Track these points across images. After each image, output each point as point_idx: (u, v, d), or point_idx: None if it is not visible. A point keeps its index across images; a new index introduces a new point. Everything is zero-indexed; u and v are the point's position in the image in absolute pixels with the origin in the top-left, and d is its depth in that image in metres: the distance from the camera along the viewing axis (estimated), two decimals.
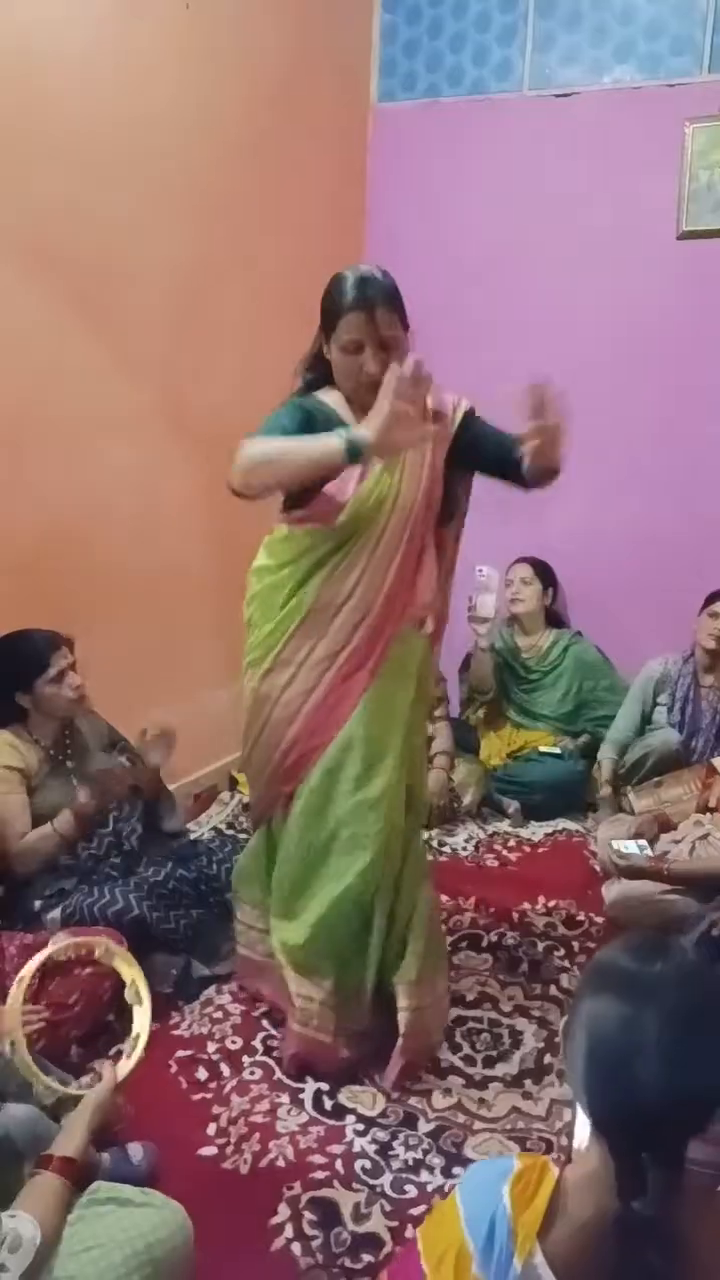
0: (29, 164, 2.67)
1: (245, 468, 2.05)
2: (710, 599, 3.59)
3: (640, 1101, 1.03)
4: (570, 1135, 1.46)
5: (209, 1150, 2.12)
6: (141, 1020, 1.96)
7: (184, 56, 3.15)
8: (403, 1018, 2.33)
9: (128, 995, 2.00)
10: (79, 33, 2.76)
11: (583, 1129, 1.13)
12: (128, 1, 2.90)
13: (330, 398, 2.25)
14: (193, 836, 3.07)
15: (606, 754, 3.72)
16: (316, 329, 2.23)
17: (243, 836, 3.35)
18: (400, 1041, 2.32)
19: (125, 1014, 2.02)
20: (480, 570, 3.33)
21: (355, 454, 1.94)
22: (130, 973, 2.02)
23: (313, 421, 2.16)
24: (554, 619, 4.14)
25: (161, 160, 3.11)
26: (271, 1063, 2.39)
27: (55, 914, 2.48)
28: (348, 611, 2.23)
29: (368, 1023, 2.38)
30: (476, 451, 2.30)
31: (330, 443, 1.95)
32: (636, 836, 3.07)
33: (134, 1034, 1.94)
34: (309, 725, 2.29)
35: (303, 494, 2.17)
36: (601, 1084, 1.06)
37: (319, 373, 2.25)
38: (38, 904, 2.52)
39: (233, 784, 3.83)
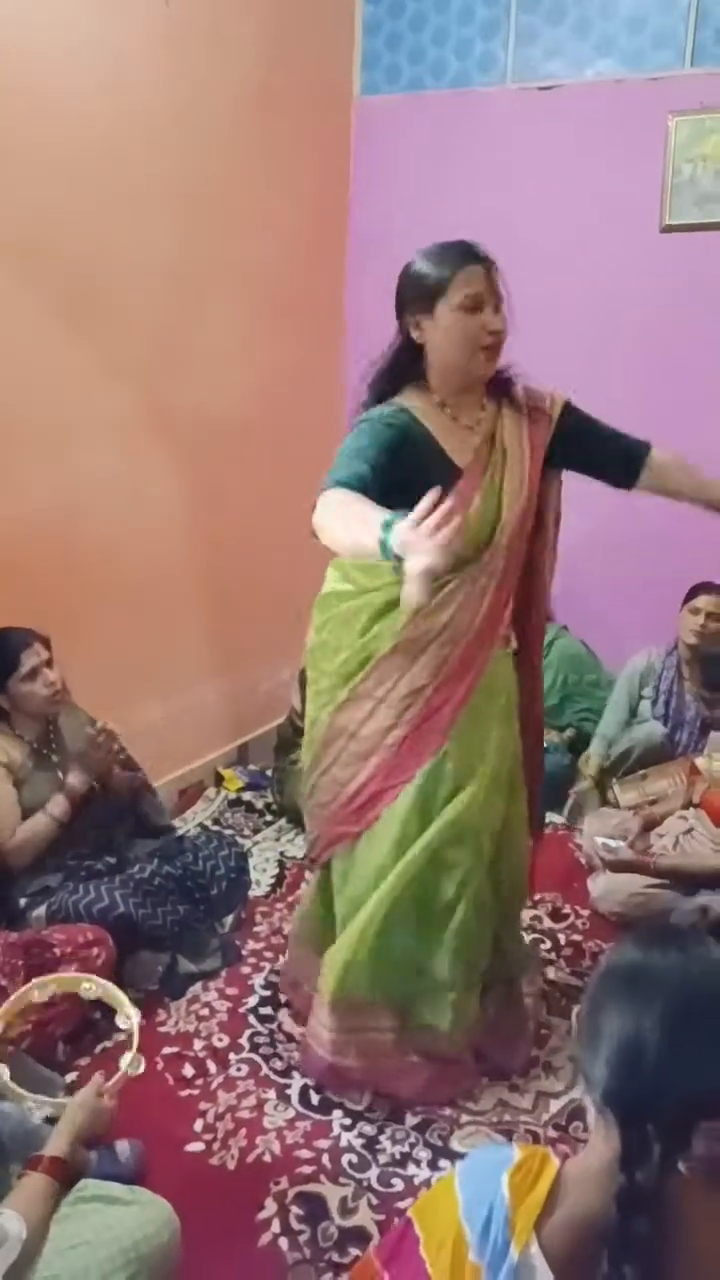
0: (9, 167, 2.65)
1: (316, 526, 1.78)
2: (691, 594, 3.60)
3: (648, 1079, 1.05)
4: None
5: (196, 1146, 2.12)
6: (134, 1038, 1.89)
7: (164, 52, 3.13)
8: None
9: (118, 1021, 1.95)
10: (57, 31, 2.74)
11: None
12: (105, 0, 2.88)
13: (417, 404, 2.05)
14: (179, 833, 3.06)
15: (596, 749, 3.72)
16: (398, 329, 2.06)
17: (228, 833, 3.35)
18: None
19: (110, 1010, 2.01)
20: None
21: (388, 554, 1.59)
22: (118, 997, 1.96)
23: (406, 444, 1.97)
24: None
25: (142, 157, 3.10)
26: (259, 1059, 2.39)
27: (40, 911, 2.48)
28: (438, 645, 2.07)
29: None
30: (579, 448, 2.20)
31: (369, 540, 1.61)
32: (621, 837, 3.07)
33: (130, 1047, 1.88)
34: (386, 764, 2.13)
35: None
36: (614, 1064, 1.07)
37: (400, 373, 2.07)
38: (23, 901, 2.51)
39: (218, 780, 3.82)
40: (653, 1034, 1.05)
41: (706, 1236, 1.05)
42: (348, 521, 1.69)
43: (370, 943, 2.16)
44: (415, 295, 2.02)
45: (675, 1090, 1.04)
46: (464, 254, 2.02)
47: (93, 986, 1.97)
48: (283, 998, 2.58)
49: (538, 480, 2.16)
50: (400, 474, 1.86)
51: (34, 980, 1.97)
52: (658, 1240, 1.01)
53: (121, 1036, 2.33)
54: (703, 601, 3.54)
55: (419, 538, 1.47)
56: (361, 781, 2.16)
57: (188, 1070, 2.34)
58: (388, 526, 1.54)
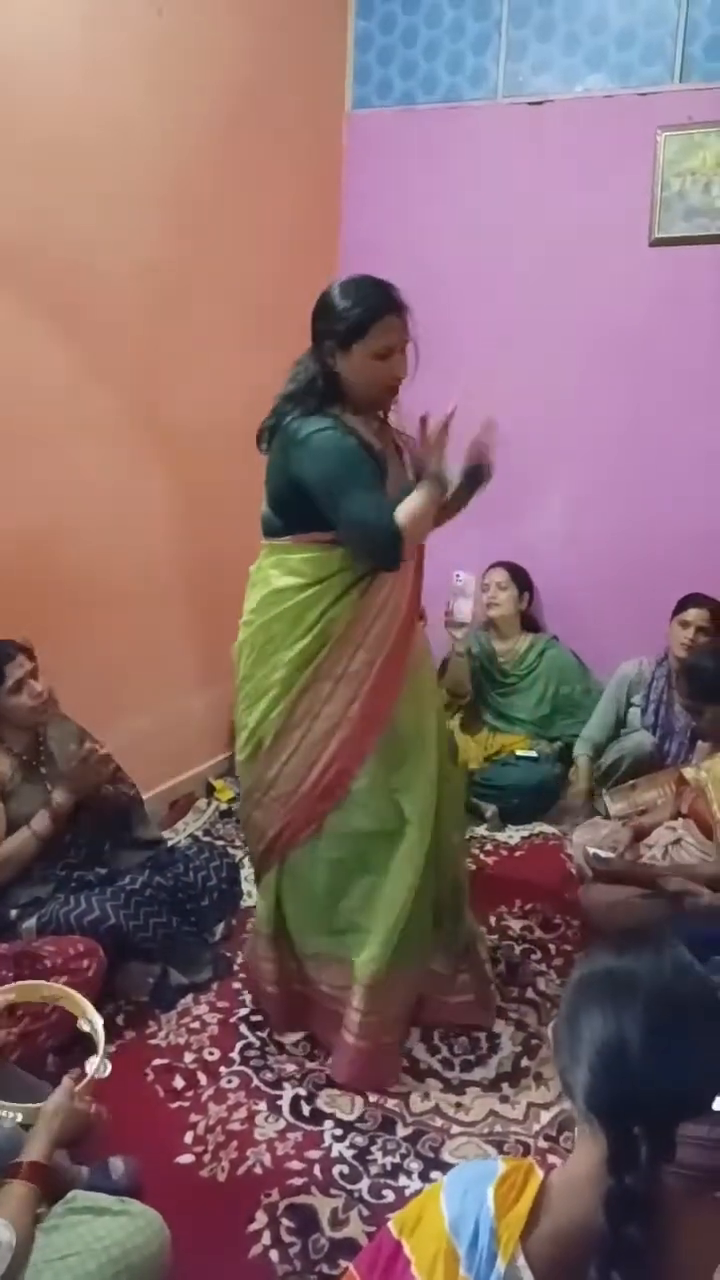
0: None
1: (408, 543, 2.17)
2: (680, 606, 3.61)
3: (632, 1079, 1.05)
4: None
5: (186, 1158, 2.12)
6: (99, 1039, 1.91)
7: (157, 63, 3.15)
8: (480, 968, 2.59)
9: (80, 1024, 1.97)
10: (50, 39, 2.76)
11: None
12: (100, 8, 2.89)
13: (344, 415, 2.24)
14: (169, 844, 3.06)
15: (581, 751, 3.74)
16: (314, 351, 2.22)
17: (220, 843, 3.35)
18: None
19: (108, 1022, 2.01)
20: (457, 575, 3.34)
21: (444, 489, 2.20)
22: (76, 1002, 1.97)
23: (365, 451, 2.21)
24: (530, 623, 4.16)
25: (134, 167, 3.11)
26: (249, 1071, 2.39)
27: (31, 923, 2.47)
28: (384, 620, 2.29)
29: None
30: None
31: (429, 496, 2.17)
32: (611, 847, 3.08)
33: (97, 1050, 1.90)
34: (349, 739, 2.30)
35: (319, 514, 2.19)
36: (596, 1068, 1.08)
37: (325, 391, 2.21)
38: (14, 913, 2.50)
39: (209, 791, 3.82)
40: (633, 1033, 1.06)
41: (691, 1245, 1.05)
42: (414, 514, 2.15)
43: (404, 924, 2.34)
44: (334, 331, 2.17)
45: (659, 1087, 1.05)
46: (385, 302, 2.17)
47: (51, 994, 1.98)
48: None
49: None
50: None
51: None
52: (646, 1247, 1.01)
53: (113, 1048, 2.33)
54: (692, 615, 3.56)
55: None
56: (326, 762, 2.31)
57: (178, 1082, 2.33)
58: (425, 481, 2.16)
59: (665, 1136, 1.03)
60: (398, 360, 2.18)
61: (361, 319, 2.14)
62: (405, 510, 2.14)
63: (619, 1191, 1.03)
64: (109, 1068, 1.83)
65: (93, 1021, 1.91)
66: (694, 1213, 1.05)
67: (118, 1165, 1.96)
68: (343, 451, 2.16)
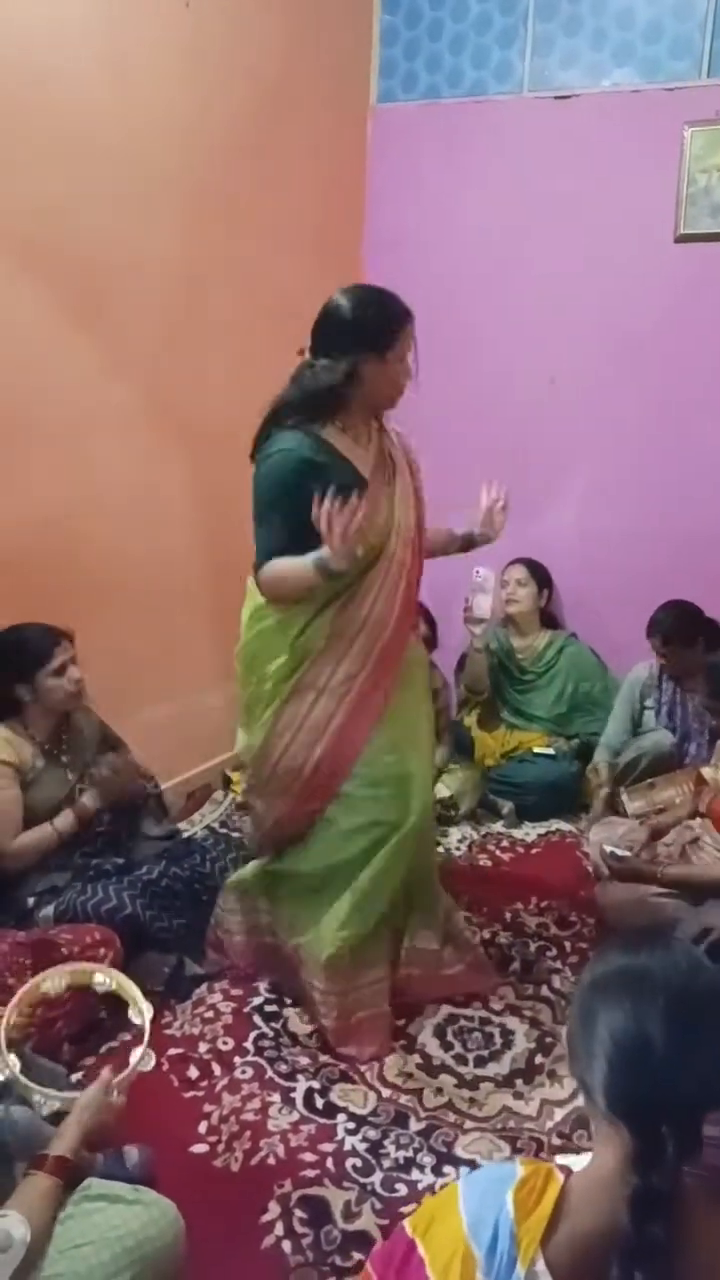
0: (23, 163, 2.67)
1: (263, 588, 2.38)
2: (647, 629, 3.58)
3: (656, 1075, 1.06)
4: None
5: (200, 1148, 2.12)
6: (146, 1032, 1.90)
7: (183, 56, 3.15)
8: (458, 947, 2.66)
9: (131, 1015, 1.96)
10: (77, 32, 2.76)
11: (577, 1161, 1.15)
12: (126, 1, 2.89)
13: (327, 430, 2.32)
14: (186, 835, 3.07)
15: (601, 758, 3.73)
16: (337, 360, 2.25)
17: (236, 835, 3.35)
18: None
19: (117, 1010, 2.01)
20: (477, 571, 3.33)
21: (328, 574, 2.20)
22: (131, 991, 1.96)
23: (320, 471, 2.25)
24: (549, 620, 4.15)
25: (158, 159, 3.11)
26: (263, 1062, 2.39)
27: (48, 911, 2.48)
28: (365, 636, 2.37)
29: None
30: None
31: (308, 572, 2.22)
32: (629, 846, 3.07)
33: (141, 1042, 1.89)
34: (334, 746, 2.40)
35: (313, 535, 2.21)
36: (618, 1066, 1.08)
37: (329, 403, 2.29)
38: (31, 901, 2.52)
39: (226, 783, 3.83)
40: (655, 1028, 1.06)
41: (710, 1245, 1.05)
42: (281, 576, 2.28)
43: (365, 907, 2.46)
44: (365, 339, 2.24)
45: (683, 1081, 1.05)
46: (404, 311, 2.28)
47: (106, 980, 1.98)
48: (287, 999, 2.60)
49: (422, 489, 2.51)
50: (320, 491, 2.15)
51: (47, 971, 1.97)
52: (670, 1247, 1.01)
53: (127, 1036, 2.34)
54: (653, 643, 3.55)
55: (331, 539, 2.11)
56: (313, 766, 2.41)
57: (193, 1072, 2.34)
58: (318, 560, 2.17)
59: (691, 1133, 1.04)
60: (410, 365, 2.32)
61: (394, 325, 2.25)
62: (278, 565, 2.28)
63: (644, 1190, 1.02)
64: (152, 1059, 1.83)
65: (143, 1011, 1.91)
66: (713, 1213, 1.05)
67: (132, 1154, 1.97)
68: (280, 479, 2.26)
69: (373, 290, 2.31)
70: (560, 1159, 1.22)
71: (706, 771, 3.00)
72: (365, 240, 4.31)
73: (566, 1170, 1.14)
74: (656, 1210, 1.02)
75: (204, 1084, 2.31)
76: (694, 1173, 1.03)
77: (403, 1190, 2.03)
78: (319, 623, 2.35)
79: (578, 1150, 2.10)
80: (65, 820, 2.59)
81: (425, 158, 4.17)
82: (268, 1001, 2.59)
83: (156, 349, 3.24)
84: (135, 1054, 1.81)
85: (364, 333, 2.24)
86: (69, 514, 2.98)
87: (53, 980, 1.94)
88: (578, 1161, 1.16)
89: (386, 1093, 2.31)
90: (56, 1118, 1.70)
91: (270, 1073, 2.36)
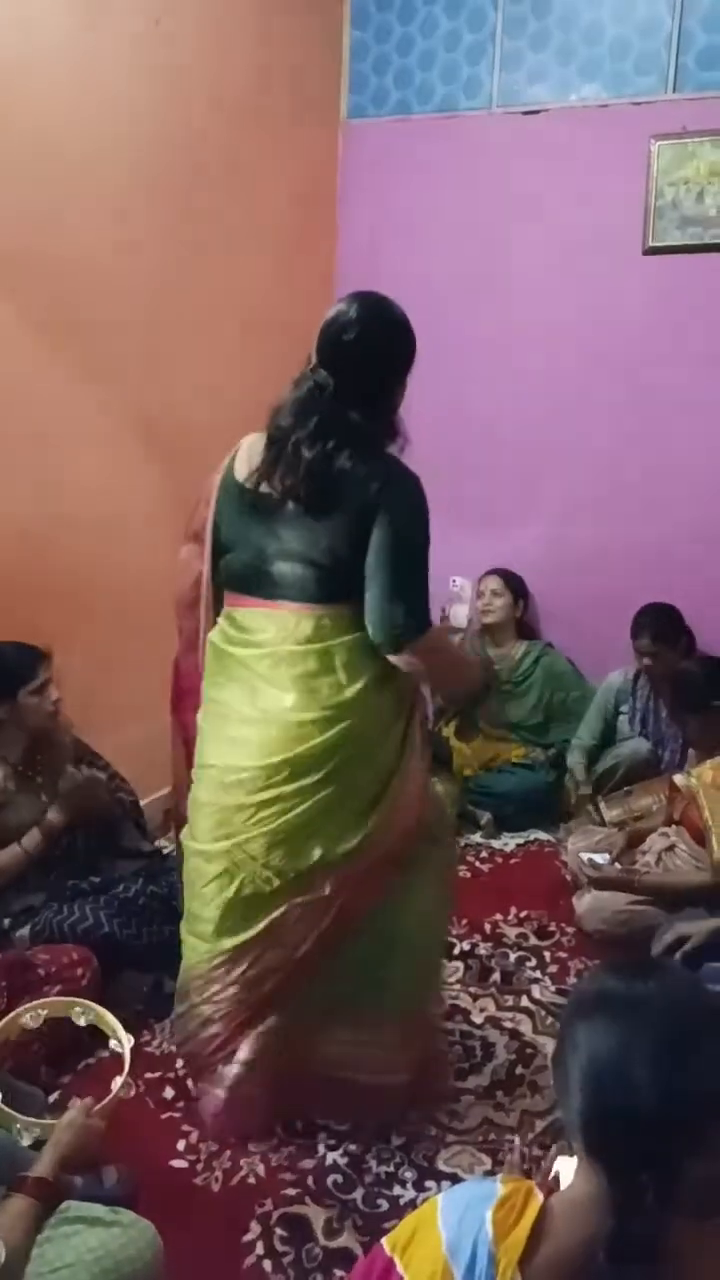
0: None
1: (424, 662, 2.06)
2: (632, 630, 3.60)
3: (637, 1121, 1.01)
4: (547, 1162, 1.42)
5: (179, 1167, 2.11)
6: (126, 1060, 1.88)
7: (154, 72, 3.16)
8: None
9: (112, 1045, 1.94)
10: (46, 48, 2.76)
11: (566, 1165, 1.12)
12: (98, 18, 2.90)
13: None
14: (165, 852, 3.05)
15: (575, 760, 3.75)
16: (397, 388, 2.04)
17: None
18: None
19: (95, 1032, 1.99)
20: (454, 581, 3.35)
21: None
22: (109, 1021, 1.94)
23: None
24: (525, 630, 4.17)
25: (130, 175, 3.12)
26: None
27: (24, 931, 2.46)
28: None
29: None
30: None
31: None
32: (605, 851, 3.08)
33: (118, 1082, 1.84)
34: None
35: None
36: (598, 1107, 1.04)
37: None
38: (7, 921, 2.50)
39: None
40: (639, 1072, 1.03)
41: (694, 1266, 1.03)
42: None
43: None
44: (409, 364, 2.04)
45: (665, 1131, 1.01)
46: None
47: (85, 1011, 1.95)
48: None
49: None
50: None
51: (25, 1005, 1.95)
52: None
53: (105, 1054, 2.32)
54: (638, 644, 3.58)
55: None
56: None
57: (170, 1092, 2.33)
58: None
59: (672, 1181, 1.00)
60: None
61: (413, 354, 2.05)
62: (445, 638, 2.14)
63: (621, 1236, 1.00)
64: (132, 1088, 1.82)
65: (122, 1041, 1.89)
66: (699, 1238, 1.02)
67: (110, 1174, 1.94)
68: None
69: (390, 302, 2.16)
70: (560, 1163, 1.20)
71: (679, 779, 3.02)
72: (337, 255, 4.33)
73: (547, 1189, 1.13)
74: (634, 1254, 0.99)
75: (182, 1103, 2.29)
76: (679, 1202, 1.01)
77: (384, 1206, 2.03)
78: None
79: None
80: (32, 839, 2.55)
81: (396, 173, 4.19)
82: None
83: (129, 362, 3.24)
84: (116, 1082, 1.80)
85: (410, 358, 2.07)
86: (46, 527, 2.98)
87: (31, 1014, 1.92)
88: (570, 1165, 1.14)
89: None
90: (38, 1146, 1.68)
91: None
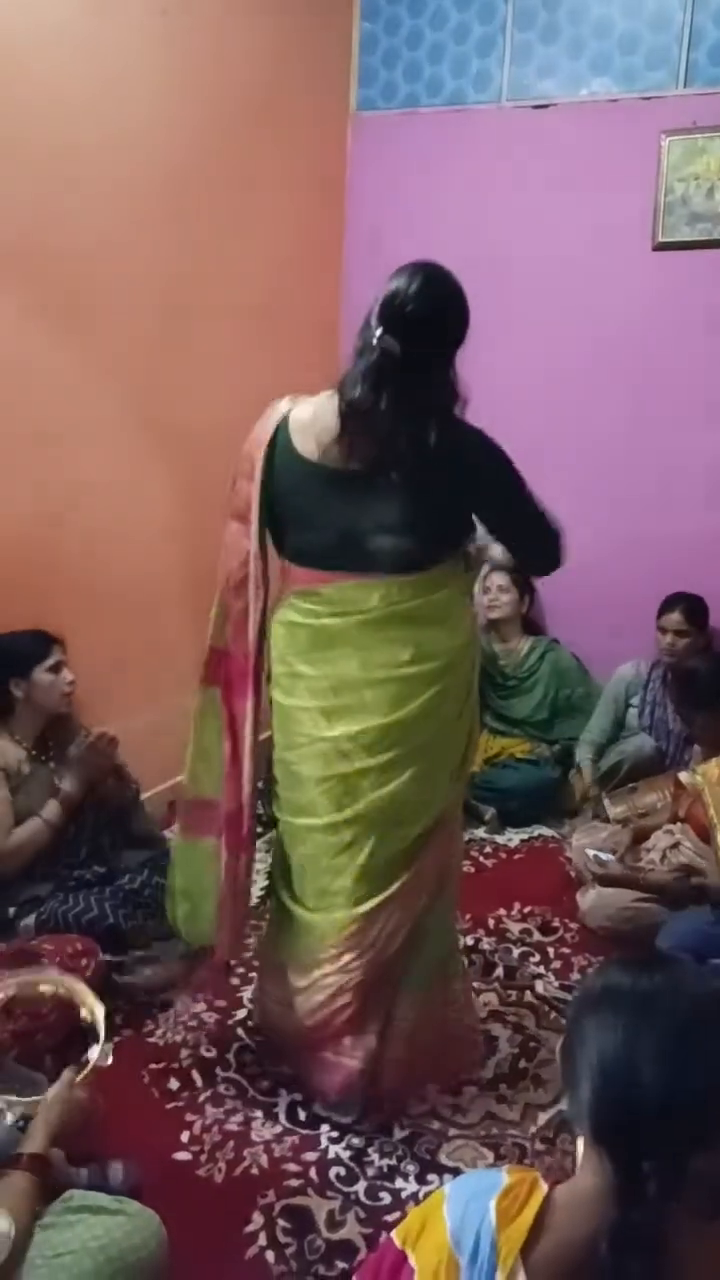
0: (3, 171, 2.66)
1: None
2: (661, 608, 3.62)
3: (642, 1110, 1.03)
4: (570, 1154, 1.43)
5: (183, 1158, 2.11)
6: (100, 1028, 1.90)
7: (161, 65, 3.15)
8: None
9: (83, 1014, 1.94)
10: (53, 41, 2.75)
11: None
12: (102, 8, 2.89)
13: None
14: (168, 844, 3.05)
15: (584, 754, 3.75)
16: (449, 359, 2.08)
17: None
18: None
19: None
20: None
21: None
22: (79, 991, 1.96)
23: None
24: (531, 626, 4.16)
25: (137, 169, 3.11)
26: (246, 1071, 2.38)
27: (29, 921, 2.47)
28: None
29: None
30: None
31: None
32: (610, 848, 3.08)
33: (100, 1039, 1.88)
34: None
35: None
36: (606, 1097, 1.06)
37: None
38: (12, 911, 2.50)
39: None
40: (648, 1062, 1.04)
41: (697, 1267, 1.04)
42: None
43: None
44: (466, 334, 2.09)
45: (671, 1119, 1.02)
46: None
47: (50, 986, 1.96)
48: None
49: None
50: None
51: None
52: (650, 1276, 1.00)
53: (110, 1046, 2.31)
54: (667, 620, 3.59)
55: None
56: None
57: (174, 1083, 2.33)
58: None
59: (676, 1172, 1.01)
60: None
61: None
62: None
63: (623, 1224, 1.01)
64: (110, 1056, 1.82)
65: (93, 1009, 1.90)
66: (701, 1233, 1.02)
67: (117, 1171, 1.94)
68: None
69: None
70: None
71: (684, 776, 3.02)
72: (345, 247, 4.32)
73: (552, 1181, 1.14)
74: (636, 1245, 1.00)
75: (186, 1094, 2.30)
76: (683, 1197, 1.01)
77: (386, 1199, 2.03)
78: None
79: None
80: (51, 810, 2.57)
81: (404, 166, 4.18)
82: (251, 1014, 2.57)
83: (139, 356, 3.23)
84: (93, 1051, 1.80)
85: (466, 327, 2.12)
86: (52, 521, 2.97)
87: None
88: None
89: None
90: (23, 1123, 1.69)
91: (252, 1087, 2.34)
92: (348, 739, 2.08)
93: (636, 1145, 1.03)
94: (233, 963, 2.75)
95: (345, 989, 2.16)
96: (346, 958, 2.15)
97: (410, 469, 1.97)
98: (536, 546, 2.20)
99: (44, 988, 1.97)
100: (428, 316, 1.99)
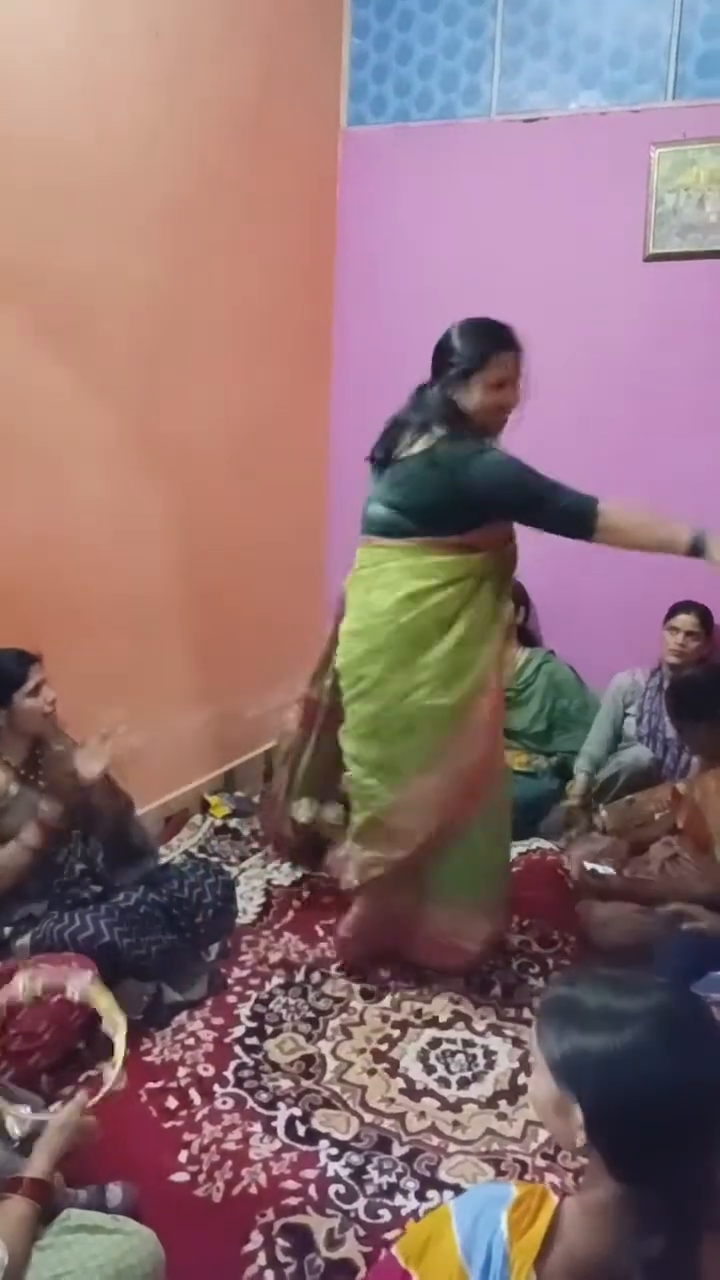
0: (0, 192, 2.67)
1: (608, 531, 2.51)
2: (670, 612, 3.63)
3: (647, 1124, 1.03)
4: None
5: (181, 1177, 2.10)
6: (118, 1047, 1.88)
7: (154, 82, 3.16)
8: None
9: (104, 1027, 1.93)
10: (48, 60, 2.76)
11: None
12: (97, 29, 2.91)
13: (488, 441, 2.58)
14: (164, 860, 3.04)
15: (581, 767, 3.74)
16: (436, 383, 2.51)
17: (215, 860, 3.33)
18: None
19: (94, 1041, 1.98)
20: None
21: (699, 551, 2.40)
22: (104, 1003, 1.93)
23: None
24: (527, 638, 4.16)
25: (131, 187, 3.12)
26: (244, 1090, 2.37)
27: (25, 941, 2.45)
28: (505, 619, 2.70)
29: None
30: None
31: (680, 535, 2.44)
32: (608, 860, 3.07)
33: (113, 1060, 1.85)
34: (492, 732, 2.68)
35: (469, 521, 2.51)
36: (607, 1112, 1.06)
37: (456, 418, 2.51)
38: (7, 930, 2.49)
39: (204, 807, 3.81)
40: (637, 1072, 1.04)
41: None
42: (640, 521, 2.57)
43: None
44: (453, 365, 2.50)
45: (672, 1129, 1.02)
46: (497, 341, 2.51)
47: (75, 992, 1.93)
48: (268, 1028, 2.57)
49: None
50: None
51: (18, 976, 1.93)
52: None
53: (106, 1067, 2.30)
54: (680, 620, 3.59)
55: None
56: (479, 756, 2.63)
57: (172, 1102, 2.31)
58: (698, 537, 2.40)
59: (689, 1185, 1.01)
60: (509, 391, 2.52)
61: (481, 353, 2.47)
62: (634, 514, 2.58)
63: (661, 1260, 1.00)
64: (125, 1080, 1.81)
65: (116, 1023, 1.87)
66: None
67: (115, 1194, 1.91)
68: (508, 457, 2.52)
69: (477, 321, 2.54)
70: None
71: (681, 786, 3.01)
72: (338, 263, 4.33)
73: (561, 1193, 1.13)
74: (669, 1272, 1.00)
75: (183, 1113, 2.28)
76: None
77: (386, 1216, 2.01)
78: (471, 610, 2.60)
79: None
80: (29, 833, 2.53)
81: (395, 180, 4.20)
82: (249, 1032, 2.56)
83: (133, 374, 3.24)
84: (110, 1073, 1.78)
85: (452, 359, 2.49)
86: (48, 539, 2.97)
87: (26, 985, 1.91)
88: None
89: (369, 1118, 2.29)
90: (24, 1144, 1.67)
91: (251, 1101, 2.33)
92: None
93: (645, 1159, 1.03)
94: (230, 980, 2.75)
95: (415, 833, 2.65)
96: (421, 801, 2.63)
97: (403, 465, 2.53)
98: (558, 532, 2.55)
99: (69, 991, 1.94)
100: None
